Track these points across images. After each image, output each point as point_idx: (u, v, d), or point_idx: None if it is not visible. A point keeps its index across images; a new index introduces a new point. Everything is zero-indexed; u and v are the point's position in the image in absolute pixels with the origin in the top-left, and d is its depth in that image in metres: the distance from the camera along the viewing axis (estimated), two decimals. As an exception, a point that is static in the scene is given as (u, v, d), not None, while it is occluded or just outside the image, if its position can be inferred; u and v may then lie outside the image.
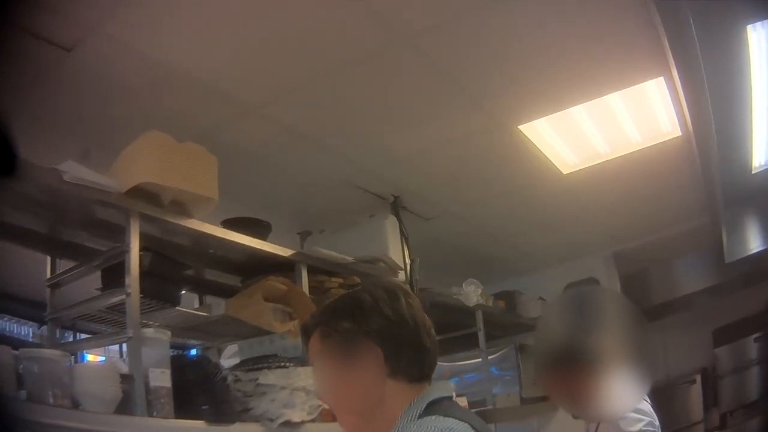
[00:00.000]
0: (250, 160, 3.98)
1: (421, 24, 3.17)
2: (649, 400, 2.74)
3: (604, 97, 4.07)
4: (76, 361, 3.32)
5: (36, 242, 3.15)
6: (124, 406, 2.61)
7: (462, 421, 1.61)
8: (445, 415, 1.62)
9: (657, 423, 2.72)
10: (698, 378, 7.84)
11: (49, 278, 3.18)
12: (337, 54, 3.30)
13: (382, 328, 1.74)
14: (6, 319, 5.42)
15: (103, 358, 4.77)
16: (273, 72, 3.35)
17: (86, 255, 3.16)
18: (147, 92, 3.31)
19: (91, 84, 3.19)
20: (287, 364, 3.32)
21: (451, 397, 1.76)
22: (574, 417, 2.89)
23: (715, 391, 7.92)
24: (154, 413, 2.67)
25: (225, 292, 3.80)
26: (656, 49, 3.55)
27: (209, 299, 3.89)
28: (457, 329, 5.30)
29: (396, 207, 4.78)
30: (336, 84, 3.51)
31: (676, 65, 3.62)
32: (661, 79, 3.90)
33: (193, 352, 3.98)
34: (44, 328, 5.34)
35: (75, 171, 2.65)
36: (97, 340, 3.36)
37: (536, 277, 6.68)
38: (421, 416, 1.64)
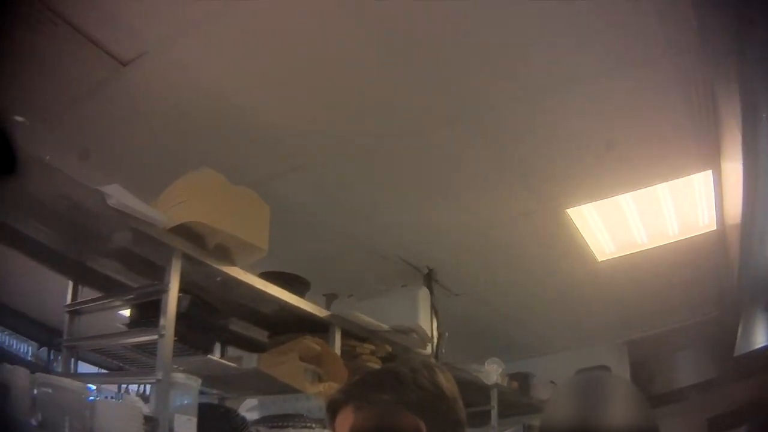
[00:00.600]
0: (293, 215, 3.85)
1: (485, 102, 3.14)
2: None
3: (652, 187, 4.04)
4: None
5: (59, 264, 2.95)
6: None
7: None
8: None
9: None
10: None
11: (69, 304, 2.97)
12: (400, 123, 3.25)
13: (422, 400, 1.63)
14: (6, 333, 5.17)
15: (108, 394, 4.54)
16: (336, 132, 3.28)
17: (111, 286, 2.98)
18: (200, 125, 3.17)
19: (141, 103, 3.05)
20: (312, 425, 3.18)
21: None
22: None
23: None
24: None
25: (250, 345, 3.64)
26: (706, 142, 3.55)
27: (231, 350, 3.68)
28: (469, 405, 5.10)
29: (429, 279, 4.69)
30: (393, 152, 3.47)
31: (726, 159, 3.60)
32: (709, 172, 3.88)
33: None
34: (43, 349, 5.15)
35: (120, 197, 2.46)
36: (121, 377, 3.12)
37: (548, 361, 6.54)
38: None
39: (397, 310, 4.15)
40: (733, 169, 3.61)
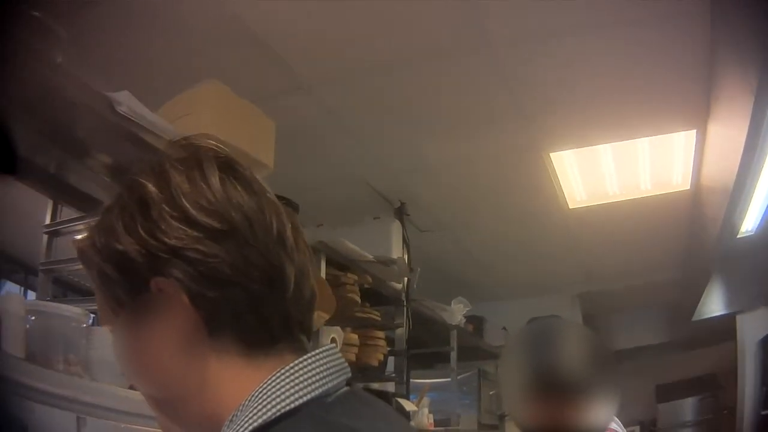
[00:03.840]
0: (286, 137, 3.79)
1: (485, 39, 3.15)
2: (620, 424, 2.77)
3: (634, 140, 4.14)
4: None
5: (39, 180, 2.74)
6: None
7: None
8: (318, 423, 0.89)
9: None
10: (636, 429, 8.11)
11: (48, 224, 2.82)
12: (404, 48, 3.20)
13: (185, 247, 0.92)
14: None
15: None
16: (337, 52, 3.21)
17: (94, 206, 2.78)
18: (203, 38, 3.08)
19: (146, 14, 2.95)
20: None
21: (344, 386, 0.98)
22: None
23: (653, 444, 8.24)
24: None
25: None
26: (697, 103, 3.65)
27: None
28: (427, 345, 5.21)
29: (401, 213, 4.70)
30: (392, 78, 3.43)
31: (714, 122, 3.72)
32: (693, 132, 3.98)
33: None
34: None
35: (131, 104, 2.35)
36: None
37: (499, 306, 6.68)
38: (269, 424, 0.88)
39: (369, 241, 4.14)
40: (719, 132, 3.76)
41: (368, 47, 3.17)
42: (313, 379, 0.92)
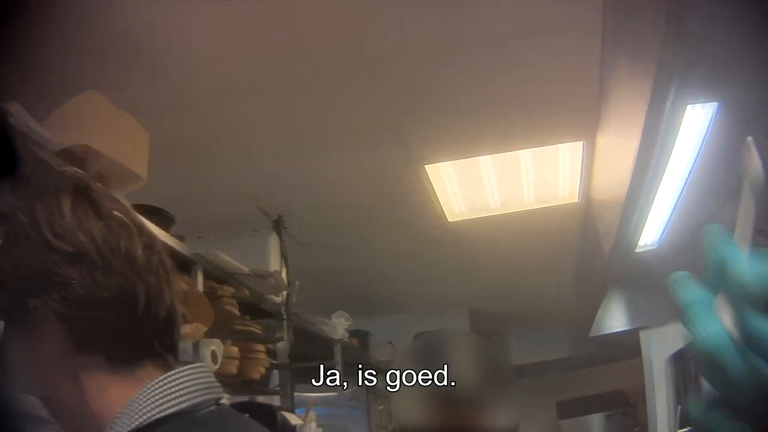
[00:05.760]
0: (168, 150, 3.82)
1: (369, 55, 3.21)
2: None
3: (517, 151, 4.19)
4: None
5: None
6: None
7: None
8: None
9: None
10: None
11: None
12: (284, 65, 3.27)
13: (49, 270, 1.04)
14: None
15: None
16: (219, 69, 3.28)
17: None
18: (91, 50, 3.08)
19: (35, 22, 2.98)
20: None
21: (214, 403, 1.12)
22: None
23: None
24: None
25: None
26: (586, 113, 3.71)
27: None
28: (312, 360, 5.28)
29: (278, 226, 4.81)
30: (271, 95, 3.49)
31: (604, 133, 3.82)
32: (580, 143, 4.08)
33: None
34: None
35: (21, 116, 2.44)
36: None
37: (385, 321, 6.79)
38: None
39: (247, 254, 4.22)
40: (609, 143, 3.81)
41: (249, 65, 3.24)
42: (179, 393, 1.04)
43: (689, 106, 2.94)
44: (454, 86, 3.50)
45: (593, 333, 6.14)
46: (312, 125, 3.80)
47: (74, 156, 2.76)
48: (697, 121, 3.09)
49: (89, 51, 3.08)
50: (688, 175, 3.53)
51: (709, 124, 3.09)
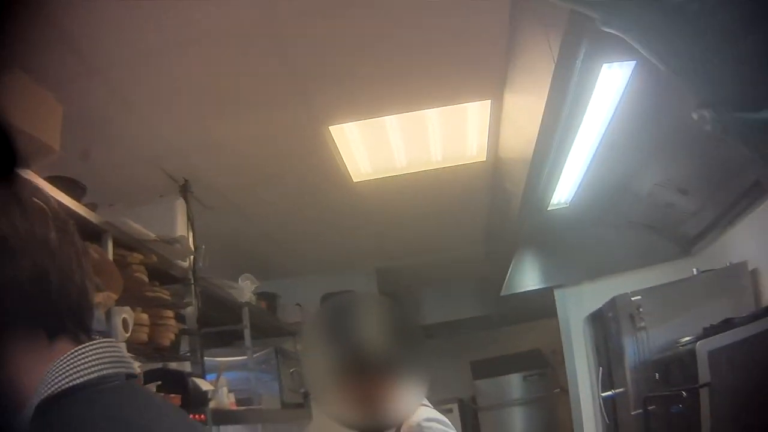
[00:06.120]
0: (77, 120, 3.77)
1: (271, 13, 3.20)
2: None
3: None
4: None
5: None
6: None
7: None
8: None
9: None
10: (455, 408, 8.19)
11: None
12: (188, 30, 3.26)
13: None
14: None
15: None
16: (124, 34, 3.23)
17: None
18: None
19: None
20: (96, 336, 3.18)
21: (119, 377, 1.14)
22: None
23: (476, 423, 8.42)
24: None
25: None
26: (493, 72, 3.77)
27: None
28: (221, 324, 5.29)
29: (185, 191, 4.77)
30: (177, 60, 3.47)
31: (511, 91, 3.87)
32: (488, 102, 4.12)
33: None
34: None
35: None
36: None
37: (292, 283, 6.84)
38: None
39: (155, 220, 4.19)
40: (516, 102, 3.86)
41: (155, 29, 3.21)
42: (87, 364, 1.08)
43: (605, 65, 2.99)
44: (357, 47, 3.52)
45: (504, 292, 6.23)
46: (216, 88, 3.79)
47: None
48: (614, 80, 3.14)
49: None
50: (603, 133, 3.59)
51: (626, 84, 3.15)
